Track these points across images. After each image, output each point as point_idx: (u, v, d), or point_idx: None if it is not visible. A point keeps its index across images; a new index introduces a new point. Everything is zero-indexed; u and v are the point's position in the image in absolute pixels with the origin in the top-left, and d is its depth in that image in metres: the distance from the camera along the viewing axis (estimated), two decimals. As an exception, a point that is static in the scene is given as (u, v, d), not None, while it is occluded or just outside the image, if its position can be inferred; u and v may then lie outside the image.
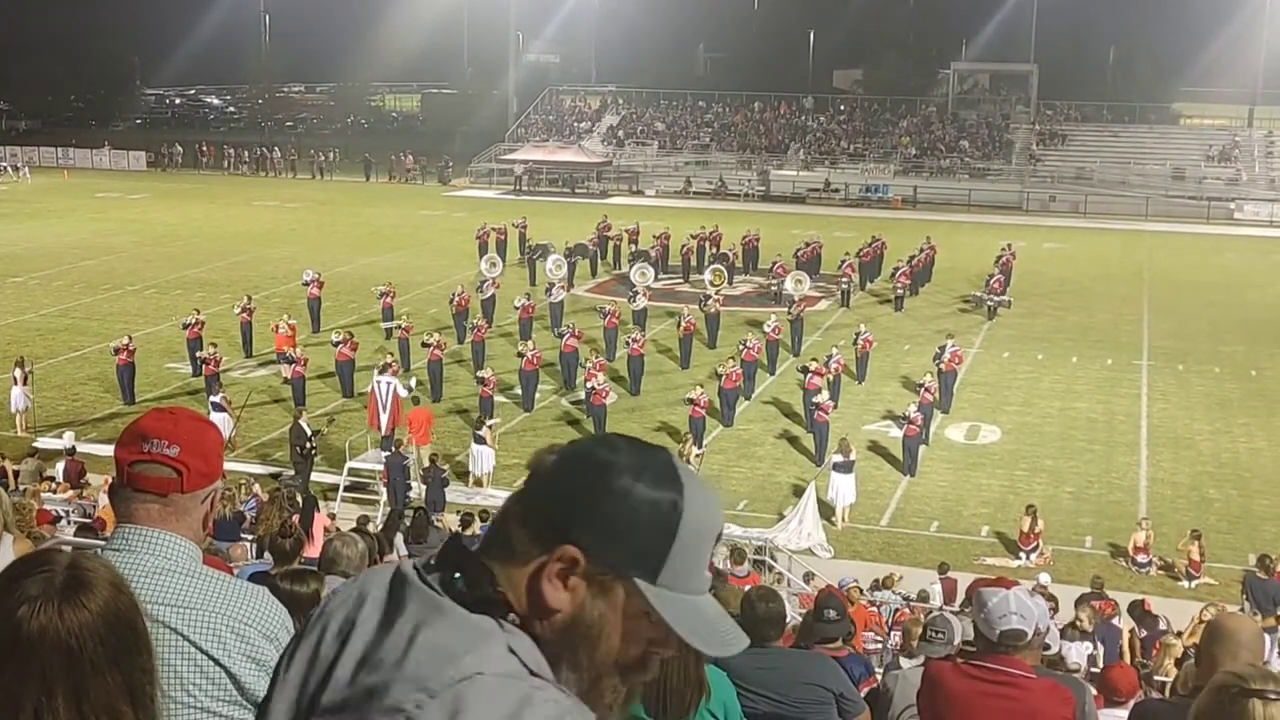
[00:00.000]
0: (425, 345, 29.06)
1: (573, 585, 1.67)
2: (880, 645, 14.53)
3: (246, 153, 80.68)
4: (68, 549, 1.89)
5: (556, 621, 1.67)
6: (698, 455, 23.41)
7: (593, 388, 26.34)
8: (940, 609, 13.88)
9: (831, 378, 27.84)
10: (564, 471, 1.71)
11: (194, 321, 30.10)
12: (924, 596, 17.72)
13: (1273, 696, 2.50)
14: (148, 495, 2.78)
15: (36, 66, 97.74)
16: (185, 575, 2.76)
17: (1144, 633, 16.30)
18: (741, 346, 29.53)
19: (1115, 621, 16.27)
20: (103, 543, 2.96)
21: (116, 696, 1.72)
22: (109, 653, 1.72)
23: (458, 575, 1.69)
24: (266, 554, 8.73)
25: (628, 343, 30.12)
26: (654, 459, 1.70)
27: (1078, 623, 14.48)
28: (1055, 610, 16.81)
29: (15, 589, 1.71)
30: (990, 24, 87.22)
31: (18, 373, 26.54)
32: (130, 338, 28.89)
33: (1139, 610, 16.68)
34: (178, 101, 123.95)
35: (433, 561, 1.74)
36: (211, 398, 25.57)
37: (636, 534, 1.66)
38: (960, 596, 17.13)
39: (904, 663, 9.95)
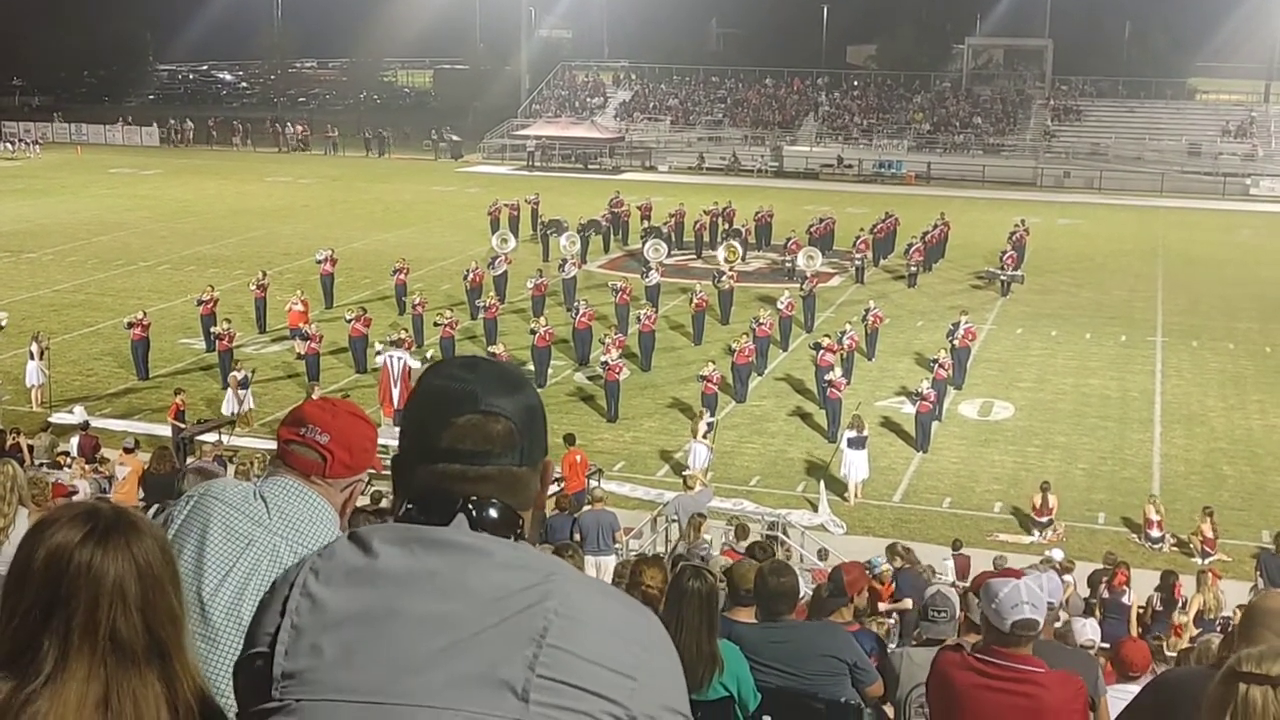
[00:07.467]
0: (437, 325, 29.08)
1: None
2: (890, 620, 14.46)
3: (250, 126, 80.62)
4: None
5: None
6: (708, 425, 23.33)
7: (607, 363, 26.36)
8: (937, 582, 13.66)
9: (844, 354, 27.81)
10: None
11: (208, 298, 30.17)
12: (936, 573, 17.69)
13: (1258, 680, 2.41)
14: (295, 472, 3.03)
15: (50, 43, 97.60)
16: (327, 526, 2.99)
17: (1160, 606, 16.27)
18: (754, 323, 29.51)
19: (1125, 599, 16.23)
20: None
21: (176, 604, 1.99)
22: (168, 572, 1.99)
23: (474, 503, 1.87)
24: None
25: (639, 318, 30.12)
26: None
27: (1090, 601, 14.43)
28: (1071, 569, 16.84)
29: (79, 527, 1.95)
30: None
31: (34, 348, 26.60)
32: (144, 313, 28.97)
33: (1169, 583, 16.62)
34: (190, 77, 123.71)
35: (416, 512, 1.88)
36: (234, 374, 25.48)
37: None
38: (973, 574, 17.12)
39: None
